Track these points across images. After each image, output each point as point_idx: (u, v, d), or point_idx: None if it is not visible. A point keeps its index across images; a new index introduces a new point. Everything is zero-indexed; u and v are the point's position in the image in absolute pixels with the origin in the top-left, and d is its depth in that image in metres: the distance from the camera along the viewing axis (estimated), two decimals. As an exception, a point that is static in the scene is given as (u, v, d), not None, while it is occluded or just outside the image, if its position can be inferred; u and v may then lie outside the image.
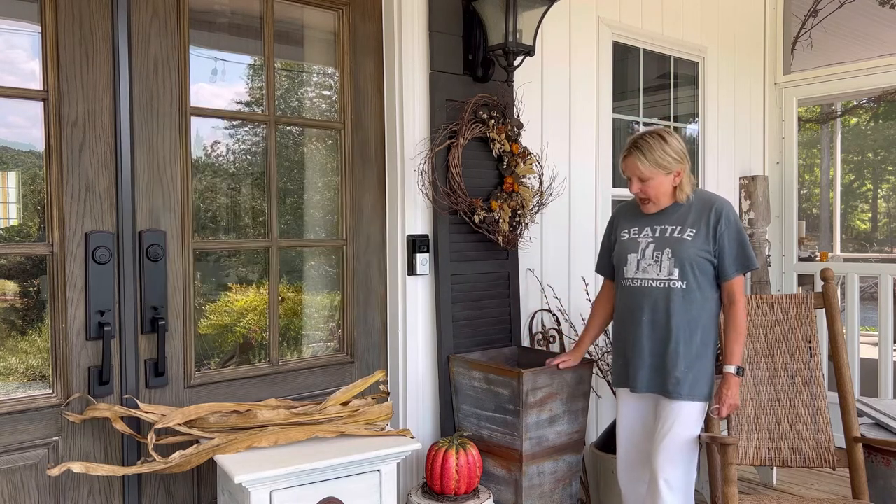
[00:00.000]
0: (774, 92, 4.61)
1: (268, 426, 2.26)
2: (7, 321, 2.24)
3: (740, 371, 2.48)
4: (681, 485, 2.45)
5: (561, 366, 2.70)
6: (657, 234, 2.54)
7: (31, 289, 2.26)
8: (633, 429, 2.65)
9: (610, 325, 2.86)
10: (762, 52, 4.57)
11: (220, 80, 2.61)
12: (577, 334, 3.24)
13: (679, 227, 2.51)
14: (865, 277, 4.91)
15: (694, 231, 2.48)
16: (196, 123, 2.47)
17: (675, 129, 4.12)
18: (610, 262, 2.72)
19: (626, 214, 2.69)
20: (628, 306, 2.58)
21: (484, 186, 2.97)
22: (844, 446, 2.65)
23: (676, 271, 2.47)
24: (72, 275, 2.19)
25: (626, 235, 2.62)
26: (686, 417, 2.46)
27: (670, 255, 2.48)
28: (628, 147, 2.51)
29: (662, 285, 2.49)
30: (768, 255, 4.48)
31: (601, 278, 2.86)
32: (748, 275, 4.24)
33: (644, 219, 2.60)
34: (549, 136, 3.37)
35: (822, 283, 2.83)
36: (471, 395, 2.79)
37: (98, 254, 2.21)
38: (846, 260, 7.96)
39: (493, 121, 2.93)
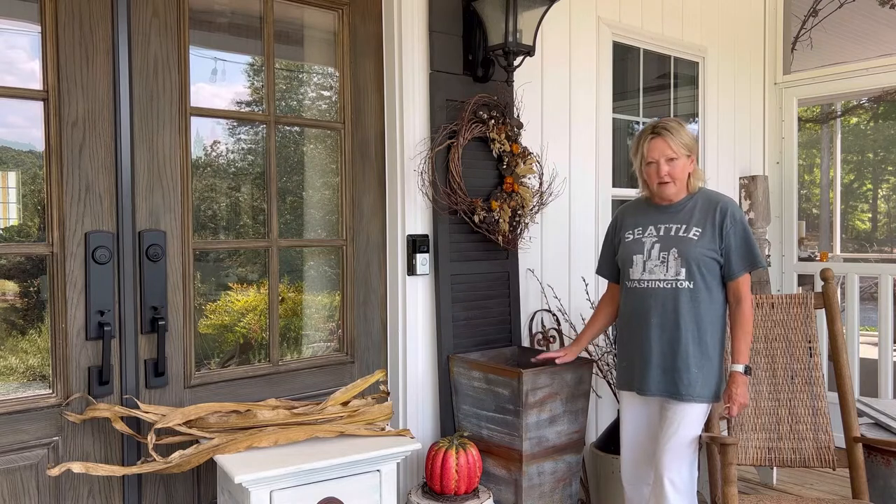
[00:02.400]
0: (774, 92, 4.61)
1: (268, 426, 2.26)
2: (7, 321, 2.24)
3: (748, 370, 2.47)
4: (685, 485, 2.45)
5: (558, 361, 2.69)
6: (662, 233, 2.53)
7: (31, 289, 2.26)
8: (637, 431, 2.64)
9: (611, 327, 2.86)
10: (762, 52, 4.57)
11: (220, 80, 2.61)
12: (577, 334, 3.23)
13: (684, 226, 2.50)
14: (865, 277, 4.91)
15: (700, 230, 2.47)
16: (196, 123, 2.47)
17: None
18: (613, 263, 2.71)
19: (630, 215, 2.67)
20: (635, 308, 2.57)
21: (484, 186, 2.97)
22: (844, 446, 2.65)
23: (683, 271, 2.46)
24: (72, 275, 2.19)
25: (631, 236, 2.60)
26: (692, 419, 2.46)
27: (677, 255, 2.47)
28: (652, 131, 2.49)
29: (669, 286, 2.48)
30: (768, 255, 4.48)
31: (602, 279, 2.86)
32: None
33: (648, 218, 2.58)
34: (549, 136, 3.37)
35: (822, 283, 2.83)
36: (471, 395, 2.79)
37: (98, 254, 2.21)
38: (846, 260, 7.96)
39: (493, 121, 2.93)
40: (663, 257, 2.50)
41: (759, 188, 4.37)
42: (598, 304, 2.86)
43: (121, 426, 2.14)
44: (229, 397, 2.49)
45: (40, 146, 2.17)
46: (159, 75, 2.34)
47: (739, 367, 2.46)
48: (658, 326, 2.49)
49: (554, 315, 3.34)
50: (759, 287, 4.28)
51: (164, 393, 2.36)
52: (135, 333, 2.29)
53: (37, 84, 2.16)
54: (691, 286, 2.46)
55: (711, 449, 2.66)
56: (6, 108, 2.15)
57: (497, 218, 2.89)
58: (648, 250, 2.53)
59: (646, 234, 2.56)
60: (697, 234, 2.47)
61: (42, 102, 2.16)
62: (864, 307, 4.50)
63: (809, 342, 2.79)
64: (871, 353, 4.40)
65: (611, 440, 3.15)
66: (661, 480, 2.44)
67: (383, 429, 2.41)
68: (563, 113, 3.46)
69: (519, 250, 3.11)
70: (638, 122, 3.93)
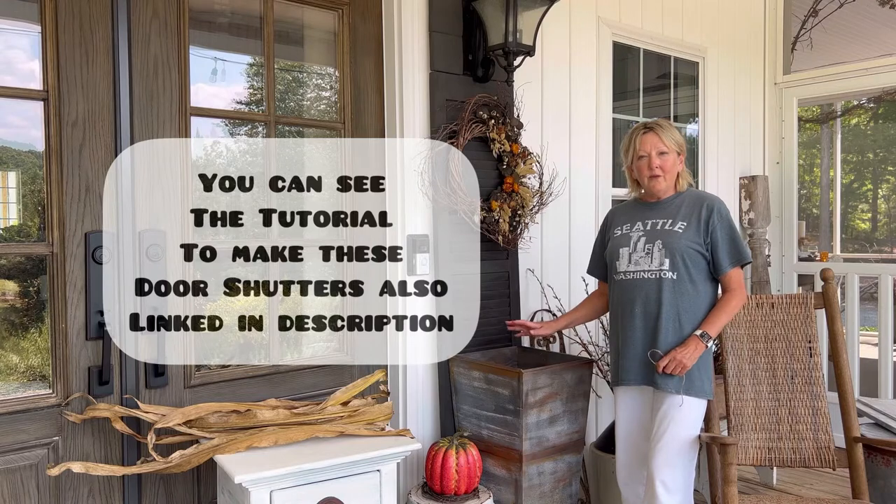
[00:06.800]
0: (774, 92, 4.61)
1: (268, 426, 2.26)
2: (7, 321, 2.24)
3: (706, 337, 2.43)
4: (679, 487, 2.45)
5: (533, 332, 2.83)
6: (648, 228, 2.57)
7: (31, 289, 2.27)
8: (630, 428, 2.65)
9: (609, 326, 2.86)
10: (762, 52, 4.57)
11: (220, 80, 2.61)
12: (576, 334, 3.24)
13: (670, 221, 2.54)
14: (865, 277, 4.91)
15: (685, 224, 2.51)
16: (196, 123, 2.47)
17: (675, 129, 4.12)
18: (602, 261, 2.74)
19: (619, 214, 2.73)
20: (621, 300, 2.60)
21: (484, 186, 2.97)
22: (844, 446, 2.65)
23: (667, 262, 2.49)
24: (72, 275, 2.19)
25: (619, 232, 2.65)
26: (682, 417, 2.45)
27: (661, 247, 2.51)
28: (643, 128, 2.58)
29: (654, 276, 2.51)
30: (768, 255, 4.48)
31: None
32: (748, 275, 4.24)
33: (636, 215, 2.63)
34: (549, 136, 3.37)
35: (822, 283, 2.83)
36: (471, 395, 2.79)
37: (98, 254, 2.21)
38: (846, 260, 7.95)
39: (493, 121, 2.93)
40: (648, 249, 2.53)
41: (759, 188, 4.37)
42: (587, 296, 2.91)
43: (121, 426, 2.14)
44: (229, 397, 2.48)
45: (40, 146, 2.17)
46: (159, 75, 2.34)
47: (697, 331, 2.44)
48: (641, 316, 2.52)
49: (554, 315, 3.34)
50: (759, 287, 4.28)
51: (164, 393, 2.36)
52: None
53: (37, 84, 2.16)
54: (674, 277, 2.48)
55: (711, 449, 2.65)
56: (6, 108, 2.15)
57: (497, 218, 2.89)
58: (635, 243, 2.57)
59: (633, 229, 2.60)
60: (683, 227, 2.51)
61: (42, 102, 2.16)
62: (864, 307, 4.50)
63: (809, 342, 2.79)
64: (871, 353, 4.40)
65: (611, 440, 3.14)
66: (653, 482, 2.44)
67: (383, 429, 2.41)
68: (563, 113, 3.46)
69: (519, 250, 3.11)
70: (638, 122, 3.93)
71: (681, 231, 2.50)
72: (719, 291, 2.58)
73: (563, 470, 2.76)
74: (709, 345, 2.46)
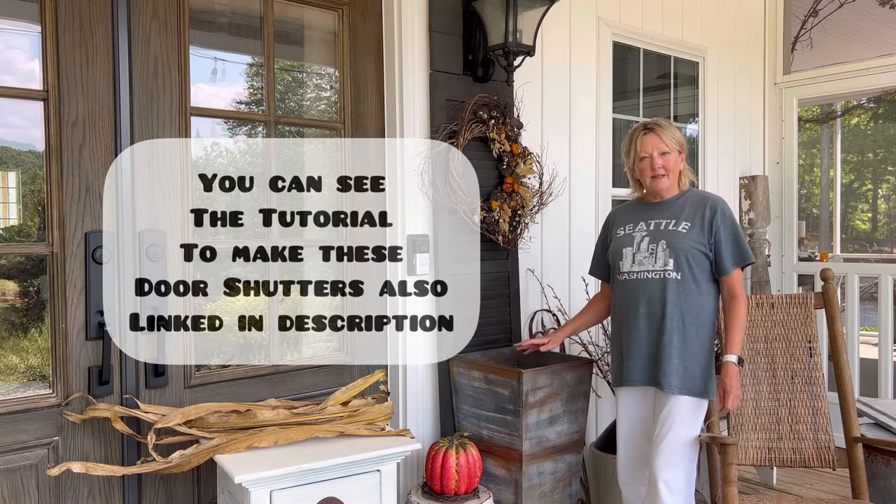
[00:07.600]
0: (774, 92, 4.61)
1: (268, 426, 2.26)
2: (7, 321, 2.24)
3: (740, 361, 2.48)
4: (681, 486, 2.45)
5: (542, 349, 2.79)
6: (651, 228, 2.56)
7: (31, 289, 2.27)
8: (632, 429, 2.65)
9: (608, 327, 2.86)
10: (762, 52, 4.57)
11: (220, 80, 2.61)
12: (577, 337, 3.24)
13: (674, 221, 2.54)
14: (865, 277, 4.91)
15: (689, 224, 2.51)
16: (196, 123, 2.47)
17: (675, 129, 4.12)
18: (605, 262, 2.74)
19: (622, 214, 2.72)
20: (624, 300, 2.59)
21: (484, 186, 2.97)
22: (844, 446, 2.65)
23: (671, 262, 2.49)
24: (72, 275, 2.19)
25: (622, 232, 2.64)
26: (683, 416, 2.46)
27: (665, 247, 2.50)
28: (644, 127, 2.58)
29: (658, 276, 2.50)
30: (768, 255, 4.48)
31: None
32: (748, 275, 4.24)
33: (639, 215, 2.63)
34: (549, 136, 3.37)
35: (822, 283, 2.83)
36: (471, 395, 2.79)
37: (98, 254, 2.21)
38: (846, 260, 7.95)
39: (493, 121, 2.93)
40: (652, 249, 2.53)
41: (759, 188, 4.37)
42: (590, 300, 2.90)
43: (121, 426, 2.14)
44: (229, 397, 2.48)
45: (40, 146, 2.17)
46: (159, 75, 2.34)
47: (732, 358, 2.46)
48: (645, 317, 2.52)
49: (554, 315, 3.34)
50: (759, 287, 4.28)
51: (164, 393, 2.36)
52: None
53: (37, 84, 2.16)
54: (679, 277, 2.48)
55: (711, 449, 2.66)
56: (6, 108, 2.15)
57: (497, 218, 2.89)
58: (638, 243, 2.57)
59: (636, 229, 2.60)
60: (686, 227, 2.51)
61: (42, 102, 2.16)
62: (864, 307, 4.50)
63: (809, 342, 2.79)
64: (871, 353, 4.40)
65: (611, 440, 3.14)
66: (656, 482, 2.44)
67: (383, 429, 2.41)
68: (563, 113, 3.46)
69: (519, 250, 3.11)
70: (638, 122, 3.93)
71: (685, 231, 2.50)
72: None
73: (563, 470, 2.76)
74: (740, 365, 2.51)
